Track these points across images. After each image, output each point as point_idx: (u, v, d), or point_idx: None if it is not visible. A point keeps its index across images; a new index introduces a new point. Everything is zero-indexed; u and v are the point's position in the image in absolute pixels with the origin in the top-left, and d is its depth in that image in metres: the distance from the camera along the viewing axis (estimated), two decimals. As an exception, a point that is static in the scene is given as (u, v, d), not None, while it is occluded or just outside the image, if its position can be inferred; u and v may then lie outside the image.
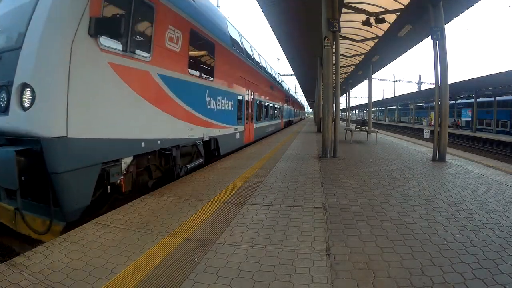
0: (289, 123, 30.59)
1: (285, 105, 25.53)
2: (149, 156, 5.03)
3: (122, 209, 3.88)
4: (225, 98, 8.46)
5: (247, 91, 11.31)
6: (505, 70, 18.32)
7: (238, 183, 5.33)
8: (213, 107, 7.46)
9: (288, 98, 28.50)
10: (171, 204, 4.11)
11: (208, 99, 7.15)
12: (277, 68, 51.31)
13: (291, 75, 50.34)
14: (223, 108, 8.28)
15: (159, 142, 5.01)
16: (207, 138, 7.09)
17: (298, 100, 53.47)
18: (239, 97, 10.15)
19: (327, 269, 2.43)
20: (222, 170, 6.45)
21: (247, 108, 11.31)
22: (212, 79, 7.37)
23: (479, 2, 8.78)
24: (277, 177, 5.75)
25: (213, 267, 2.47)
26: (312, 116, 68.31)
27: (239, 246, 2.86)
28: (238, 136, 9.97)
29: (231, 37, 9.29)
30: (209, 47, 7.34)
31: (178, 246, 2.86)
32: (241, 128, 10.37)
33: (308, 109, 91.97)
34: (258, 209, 3.93)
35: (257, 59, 13.84)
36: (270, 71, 17.90)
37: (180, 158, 5.92)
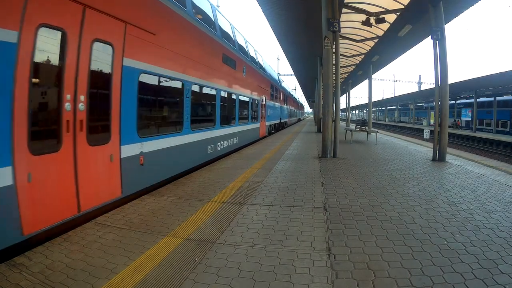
0: (278, 127, 21.75)
1: (270, 102, 17.14)
2: None
3: (122, 209, 3.88)
4: None
5: (99, 43, 3.69)
6: (505, 70, 18.34)
7: (238, 183, 5.33)
8: None
9: (276, 90, 19.67)
10: (171, 204, 4.11)
11: None
12: (277, 68, 51.13)
13: (291, 75, 50.49)
14: None
15: None
16: None
17: (295, 96, 42.64)
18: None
19: (327, 269, 2.43)
20: (222, 170, 6.45)
21: (84, 95, 3.43)
22: None
23: (479, 2, 8.82)
24: (277, 177, 5.75)
25: (213, 267, 2.47)
26: (312, 116, 68.26)
27: (239, 246, 2.86)
28: None
29: None
30: None
31: (178, 246, 2.86)
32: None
33: (308, 109, 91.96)
34: (258, 209, 3.93)
35: None
36: (235, 38, 10.37)
37: None
